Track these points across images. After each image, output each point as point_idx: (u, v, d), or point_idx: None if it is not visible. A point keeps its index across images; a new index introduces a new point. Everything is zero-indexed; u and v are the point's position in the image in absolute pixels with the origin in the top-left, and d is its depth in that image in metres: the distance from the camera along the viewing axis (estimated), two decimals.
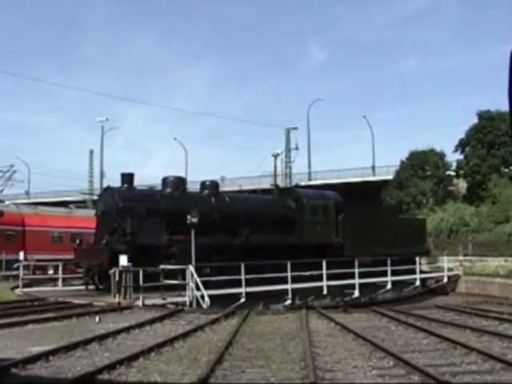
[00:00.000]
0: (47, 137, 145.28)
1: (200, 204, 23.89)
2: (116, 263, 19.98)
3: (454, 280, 31.35)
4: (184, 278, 20.09)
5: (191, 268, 20.15)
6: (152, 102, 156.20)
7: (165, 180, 24.79)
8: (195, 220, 20.89)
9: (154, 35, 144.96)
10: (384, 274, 26.46)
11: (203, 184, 26.60)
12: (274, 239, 25.06)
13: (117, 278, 20.02)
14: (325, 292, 24.06)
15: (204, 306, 19.73)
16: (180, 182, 25.07)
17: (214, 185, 26.41)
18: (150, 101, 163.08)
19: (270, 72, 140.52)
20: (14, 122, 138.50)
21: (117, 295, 19.98)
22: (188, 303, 19.85)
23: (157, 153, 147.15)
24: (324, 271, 23.86)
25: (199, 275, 20.84)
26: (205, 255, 21.88)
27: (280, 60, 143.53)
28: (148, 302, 19.38)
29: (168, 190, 24.24)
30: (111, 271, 20.61)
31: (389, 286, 26.52)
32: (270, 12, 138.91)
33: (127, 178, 23.64)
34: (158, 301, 19.68)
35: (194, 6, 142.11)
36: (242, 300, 21.50)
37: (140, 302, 19.14)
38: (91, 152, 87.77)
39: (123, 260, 20.06)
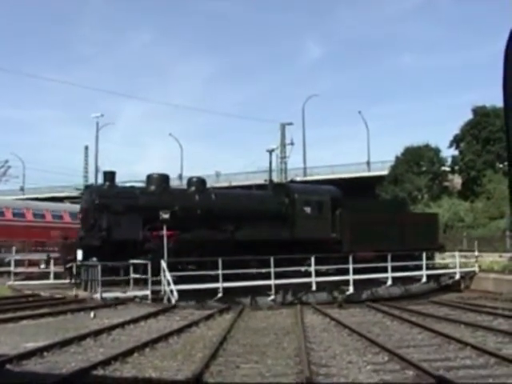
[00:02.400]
0: (43, 133, 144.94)
1: (182, 200, 24.25)
2: (91, 257, 20.92)
3: (469, 277, 30.18)
4: (146, 273, 20.40)
5: (163, 263, 20.57)
6: (148, 97, 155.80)
7: (149, 177, 25.18)
8: (166, 216, 21.49)
9: (150, 31, 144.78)
10: (386, 269, 25.89)
11: (190, 180, 26.93)
12: (263, 235, 24.97)
13: (74, 272, 21.42)
14: (313, 288, 23.82)
15: (173, 300, 20.06)
16: (163, 178, 25.29)
17: (201, 181, 26.47)
18: (146, 97, 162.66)
19: (267, 68, 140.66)
20: (9, 118, 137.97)
21: (74, 288, 20.88)
22: (149, 297, 20.22)
23: (153, 148, 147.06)
24: (313, 267, 23.61)
25: (179, 270, 21.68)
26: (185, 251, 22.49)
27: (276, 56, 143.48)
28: (108, 295, 19.82)
29: (152, 186, 24.55)
30: (68, 265, 21.96)
31: (389, 282, 25.99)
32: (266, 8, 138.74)
33: (109, 176, 24.27)
34: (118, 294, 20.10)
35: (190, 1, 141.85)
36: (220, 295, 21.61)
37: (99, 295, 19.64)
38: (86, 148, 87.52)
39: (79, 255, 21.09)
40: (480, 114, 56.56)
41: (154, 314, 16.86)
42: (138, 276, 20.67)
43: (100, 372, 9.25)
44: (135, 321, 15.31)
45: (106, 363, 9.67)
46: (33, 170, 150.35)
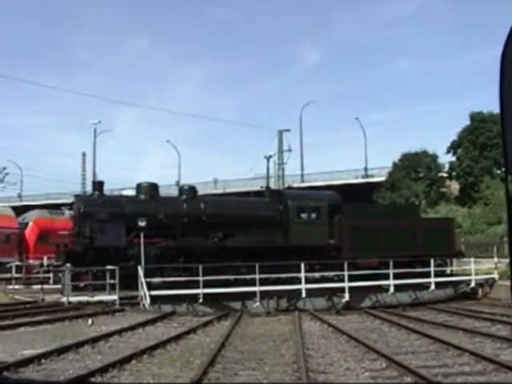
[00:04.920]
0: (41, 140, 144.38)
1: (168, 208, 24.89)
2: (75, 264, 21.84)
3: (489, 284, 27.80)
4: (115, 278, 21.02)
5: (140, 270, 21.06)
6: (146, 103, 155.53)
7: (138, 186, 25.94)
8: (143, 224, 22.98)
9: (147, 37, 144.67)
10: (394, 276, 25.15)
11: (181, 188, 27.90)
12: (256, 241, 25.00)
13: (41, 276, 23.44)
14: (303, 295, 23.59)
15: (146, 305, 20.55)
16: (153, 187, 26.02)
17: (191, 189, 27.15)
18: (143, 103, 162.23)
19: (264, 73, 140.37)
20: (6, 125, 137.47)
21: (41, 292, 22.03)
22: (117, 302, 20.70)
23: (151, 154, 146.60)
24: (302, 274, 23.26)
25: (165, 276, 22.76)
26: (169, 257, 23.40)
27: (274, 61, 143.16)
28: (74, 299, 20.58)
29: (141, 195, 25.34)
30: (34, 271, 24.22)
31: (391, 290, 25.37)
32: (263, 13, 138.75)
33: (97, 185, 25.73)
34: (84, 298, 20.83)
35: (186, 7, 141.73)
36: (200, 301, 21.86)
37: (65, 299, 20.43)
38: (83, 154, 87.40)
39: (45, 260, 23.23)
40: (477, 120, 56.60)
41: (152, 321, 16.86)
42: (111, 281, 21.11)
43: (98, 379, 9.25)
44: (133, 328, 15.32)
45: (103, 370, 9.67)
46: (31, 177, 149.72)
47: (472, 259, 28.36)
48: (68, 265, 21.57)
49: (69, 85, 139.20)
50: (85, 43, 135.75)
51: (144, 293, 20.69)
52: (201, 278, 21.69)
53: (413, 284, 25.96)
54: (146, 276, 21.16)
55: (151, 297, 20.70)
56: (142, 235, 22.23)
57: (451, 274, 28.95)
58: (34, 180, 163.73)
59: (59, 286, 23.24)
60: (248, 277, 22.89)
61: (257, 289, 22.52)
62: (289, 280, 23.85)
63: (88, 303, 20.35)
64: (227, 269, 23.20)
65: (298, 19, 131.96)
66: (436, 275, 26.52)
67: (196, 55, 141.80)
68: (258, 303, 22.59)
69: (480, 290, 28.00)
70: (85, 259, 22.16)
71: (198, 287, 21.84)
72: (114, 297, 20.75)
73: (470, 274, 27.97)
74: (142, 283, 20.86)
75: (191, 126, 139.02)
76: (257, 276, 22.44)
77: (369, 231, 26.35)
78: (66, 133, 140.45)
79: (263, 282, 22.92)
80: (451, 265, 29.39)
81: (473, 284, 27.78)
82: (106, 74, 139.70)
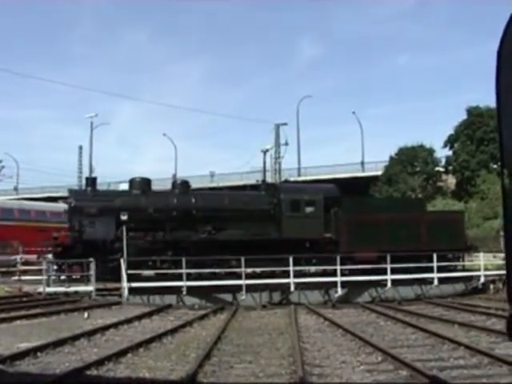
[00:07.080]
0: (37, 133, 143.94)
1: (158, 202, 25.27)
2: (66, 256, 22.75)
3: (502, 281, 27.49)
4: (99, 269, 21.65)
5: (122, 263, 21.45)
6: (144, 97, 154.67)
7: (131, 181, 26.32)
8: (125, 218, 23.70)
9: (146, 31, 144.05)
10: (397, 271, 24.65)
11: (174, 183, 28.26)
12: (249, 235, 25.04)
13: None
14: (292, 289, 23.54)
15: (125, 297, 20.93)
16: (145, 182, 26.46)
17: (183, 184, 27.48)
18: (141, 97, 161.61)
19: (262, 68, 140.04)
20: (3, 118, 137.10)
21: (19, 283, 23.46)
22: (94, 293, 21.16)
23: (149, 148, 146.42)
24: (291, 267, 23.15)
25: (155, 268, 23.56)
26: (158, 250, 23.85)
27: (272, 56, 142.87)
28: (50, 289, 21.55)
29: (134, 190, 25.74)
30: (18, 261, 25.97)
31: (389, 285, 25.11)
32: (262, 8, 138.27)
33: (90, 181, 26.63)
34: (61, 289, 21.70)
35: (185, 1, 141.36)
36: (184, 293, 22.11)
37: (41, 289, 21.53)
38: (80, 148, 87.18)
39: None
40: (474, 115, 56.61)
41: (148, 314, 16.87)
42: (85, 273, 21.91)
43: (94, 372, 9.25)
44: (129, 321, 15.35)
45: (99, 363, 9.67)
46: (27, 170, 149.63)
47: (481, 254, 27.49)
48: (50, 256, 22.60)
49: (67, 79, 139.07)
50: (83, 37, 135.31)
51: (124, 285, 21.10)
52: (184, 271, 21.94)
53: (418, 279, 25.23)
54: (133, 269, 21.60)
55: (138, 289, 21.20)
56: (124, 229, 22.75)
57: (463, 270, 28.07)
58: (32, 173, 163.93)
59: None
60: (237, 270, 22.90)
61: (242, 282, 22.54)
62: (282, 274, 23.88)
63: (66, 294, 21.06)
64: (216, 262, 23.53)
65: (296, 14, 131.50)
66: (448, 270, 25.91)
67: (194, 50, 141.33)
68: (243, 296, 22.61)
69: (491, 286, 26.91)
70: (74, 252, 22.81)
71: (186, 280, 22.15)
72: (90, 288, 21.10)
73: (476, 269, 27.26)
74: (122, 275, 21.18)
75: (189, 121, 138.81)
76: (243, 269, 22.47)
77: (368, 225, 25.65)
78: (64, 127, 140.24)
79: (257, 276, 22.98)
80: (463, 260, 28.61)
81: (482, 280, 26.75)
82: (105, 68, 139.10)
